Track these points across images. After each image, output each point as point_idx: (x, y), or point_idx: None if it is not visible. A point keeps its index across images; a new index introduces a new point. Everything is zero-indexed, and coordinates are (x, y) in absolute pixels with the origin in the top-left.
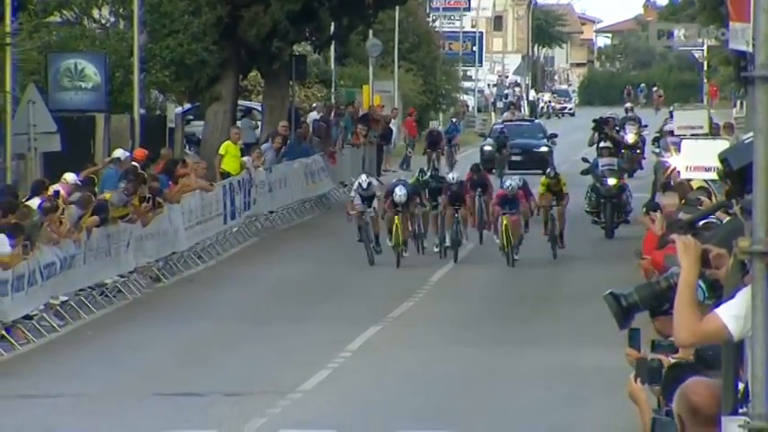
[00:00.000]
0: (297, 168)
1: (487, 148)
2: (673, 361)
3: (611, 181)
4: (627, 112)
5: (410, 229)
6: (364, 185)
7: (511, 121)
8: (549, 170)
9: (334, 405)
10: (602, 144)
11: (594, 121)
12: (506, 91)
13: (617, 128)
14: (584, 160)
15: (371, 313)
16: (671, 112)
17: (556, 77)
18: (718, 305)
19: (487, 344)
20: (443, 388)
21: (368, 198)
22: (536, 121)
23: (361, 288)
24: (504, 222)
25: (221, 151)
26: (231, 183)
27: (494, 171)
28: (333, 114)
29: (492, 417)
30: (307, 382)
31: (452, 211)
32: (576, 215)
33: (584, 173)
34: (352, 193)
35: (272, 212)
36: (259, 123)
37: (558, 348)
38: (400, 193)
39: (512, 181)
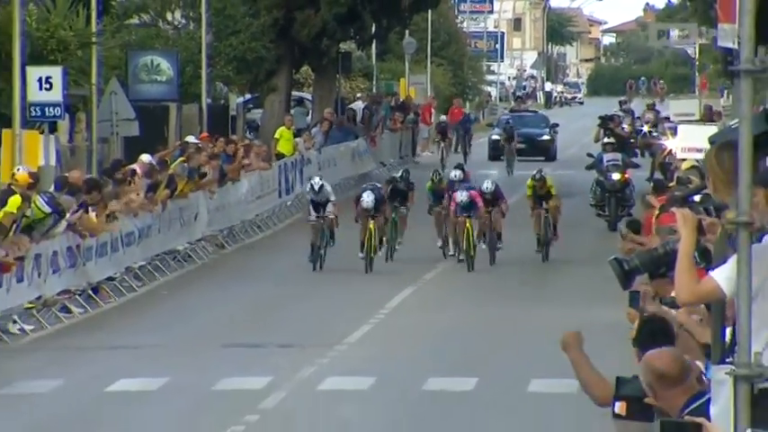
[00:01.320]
0: (343, 150)
1: (495, 137)
2: (645, 316)
3: (616, 176)
4: (621, 105)
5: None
6: (316, 188)
7: (517, 111)
8: (534, 173)
9: (374, 356)
10: (606, 140)
11: (600, 117)
12: (524, 83)
13: (622, 125)
14: (589, 155)
15: (407, 276)
16: (648, 105)
17: (567, 71)
18: (710, 269)
19: (508, 302)
20: (469, 340)
21: (321, 204)
22: (539, 112)
23: (398, 253)
24: (467, 225)
25: (276, 135)
26: (286, 163)
27: (501, 158)
28: (373, 103)
29: (511, 365)
30: (351, 336)
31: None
32: (578, 221)
33: (589, 168)
34: (307, 196)
35: None
36: (310, 111)
37: (570, 306)
38: (368, 199)
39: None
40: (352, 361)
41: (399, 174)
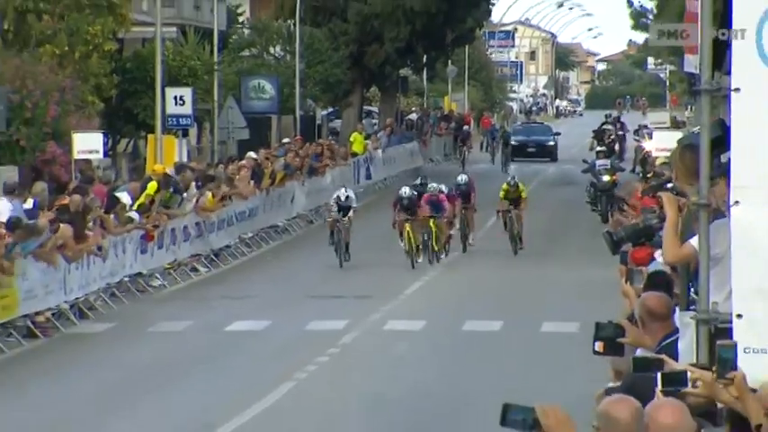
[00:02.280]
0: (402, 150)
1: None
2: (653, 270)
3: (606, 178)
4: (606, 118)
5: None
6: (342, 198)
7: (527, 123)
8: (509, 179)
9: (425, 304)
10: (598, 148)
11: (594, 131)
12: (538, 100)
13: (611, 136)
14: (585, 162)
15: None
16: (614, 117)
17: (570, 90)
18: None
19: (523, 265)
20: (495, 293)
21: (344, 208)
22: (545, 123)
23: None
24: (431, 225)
25: (351, 139)
26: (358, 159)
27: (514, 159)
28: (424, 115)
29: (528, 311)
30: (407, 290)
31: (461, 209)
32: (577, 204)
33: (585, 171)
34: (331, 201)
35: (385, 179)
36: (376, 121)
37: (572, 268)
38: (405, 188)
39: (436, 184)
40: (409, 308)
41: (418, 182)
